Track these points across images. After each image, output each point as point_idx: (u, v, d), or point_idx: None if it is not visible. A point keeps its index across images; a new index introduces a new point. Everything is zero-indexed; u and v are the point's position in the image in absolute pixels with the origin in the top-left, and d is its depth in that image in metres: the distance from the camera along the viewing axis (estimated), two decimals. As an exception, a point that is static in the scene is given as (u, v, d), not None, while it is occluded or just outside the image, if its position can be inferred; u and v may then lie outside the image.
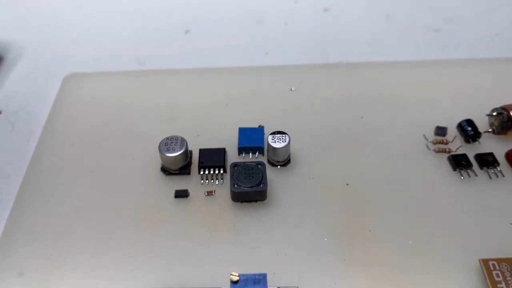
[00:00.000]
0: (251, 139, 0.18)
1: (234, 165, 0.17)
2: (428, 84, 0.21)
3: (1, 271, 0.15)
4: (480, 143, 0.19)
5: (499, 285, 0.15)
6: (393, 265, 0.15)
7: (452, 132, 0.19)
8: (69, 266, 0.15)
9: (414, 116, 0.20)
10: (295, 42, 0.25)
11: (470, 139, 0.19)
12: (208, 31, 0.26)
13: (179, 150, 0.17)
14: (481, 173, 0.18)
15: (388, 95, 0.21)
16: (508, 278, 0.15)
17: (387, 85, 0.21)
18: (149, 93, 0.21)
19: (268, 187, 0.17)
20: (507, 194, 0.17)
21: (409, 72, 0.22)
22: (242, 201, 0.17)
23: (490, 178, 0.18)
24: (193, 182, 0.18)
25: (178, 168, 0.18)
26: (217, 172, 0.18)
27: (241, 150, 0.18)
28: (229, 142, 0.19)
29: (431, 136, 0.19)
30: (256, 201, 0.17)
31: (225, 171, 0.18)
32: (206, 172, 0.17)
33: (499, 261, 0.15)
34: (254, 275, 0.14)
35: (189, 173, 0.18)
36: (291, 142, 0.18)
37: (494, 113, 0.19)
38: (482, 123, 0.19)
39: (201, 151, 0.18)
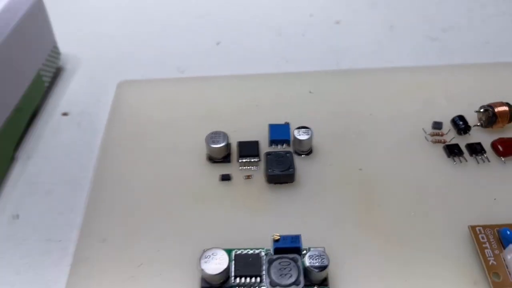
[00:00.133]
0: (279, 133, 0.22)
1: (268, 153, 0.21)
2: (427, 86, 0.25)
3: (87, 238, 0.19)
4: (470, 134, 0.22)
5: (484, 245, 0.18)
6: (398, 232, 0.19)
7: (447, 126, 0.23)
8: (140, 233, 0.19)
9: (415, 113, 0.24)
10: (311, 51, 0.29)
11: (462, 132, 0.22)
12: (236, 42, 0.29)
13: (223, 142, 0.21)
14: (470, 160, 0.21)
15: (392, 95, 0.25)
16: (491, 240, 0.18)
17: (391, 87, 0.25)
18: (190, 96, 0.25)
19: (296, 171, 0.20)
20: (491, 176, 0.21)
21: (410, 76, 0.26)
22: (275, 183, 0.21)
23: (478, 163, 0.21)
24: (233, 168, 0.21)
25: (221, 157, 0.21)
26: (253, 160, 0.21)
27: (272, 142, 0.22)
28: (261, 136, 0.22)
29: (429, 129, 0.23)
30: (286, 182, 0.21)
31: (259, 159, 0.21)
32: (244, 160, 0.21)
33: (484, 227, 0.19)
34: (291, 235, 0.17)
35: (229, 161, 0.21)
36: (312, 135, 0.21)
37: (482, 110, 0.23)
38: (472, 118, 0.23)
39: (239, 143, 0.22)
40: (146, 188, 0.21)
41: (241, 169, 0.21)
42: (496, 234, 0.18)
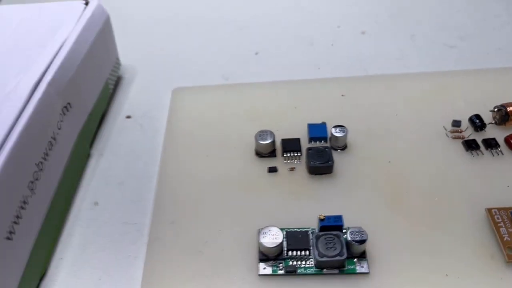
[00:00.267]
0: (317, 131, 0.25)
1: (309, 148, 0.24)
2: (446, 89, 0.28)
3: (158, 220, 0.22)
4: (485, 131, 0.25)
5: (499, 224, 0.21)
6: (424, 214, 0.22)
7: (465, 124, 0.26)
8: (203, 216, 0.22)
9: (436, 113, 0.27)
10: (340, 59, 0.32)
11: (478, 129, 0.25)
12: (272, 52, 0.33)
13: (270, 139, 0.24)
14: (486, 153, 0.24)
15: (415, 98, 0.28)
16: (506, 220, 0.21)
17: (414, 90, 0.28)
18: (236, 100, 0.28)
19: (333, 163, 0.24)
20: (505, 166, 0.24)
21: (431, 80, 0.29)
22: (315, 174, 0.24)
23: (493, 156, 0.24)
24: (278, 162, 0.25)
25: (268, 152, 0.25)
26: (295, 154, 0.25)
27: (311, 139, 0.25)
28: (300, 134, 0.26)
29: (449, 127, 0.26)
30: (325, 173, 0.24)
31: (300, 154, 0.25)
32: (288, 154, 0.25)
33: (499, 209, 0.22)
34: (334, 215, 0.21)
35: (275, 156, 0.25)
36: (347, 132, 0.25)
37: (496, 109, 0.26)
38: (487, 117, 0.26)
39: (283, 140, 0.25)
40: (204, 179, 0.24)
41: (285, 162, 0.24)
42: (510, 215, 0.21)
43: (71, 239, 0.22)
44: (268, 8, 0.37)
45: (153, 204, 0.23)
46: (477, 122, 0.25)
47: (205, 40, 0.34)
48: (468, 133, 0.25)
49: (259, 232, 0.21)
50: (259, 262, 0.20)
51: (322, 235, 0.20)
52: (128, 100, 0.29)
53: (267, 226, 0.20)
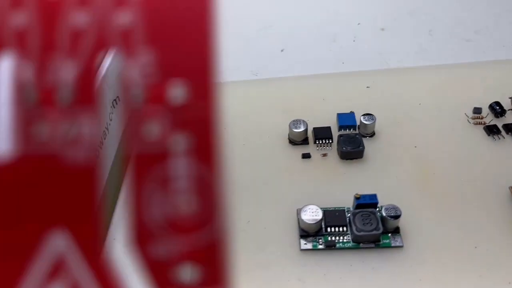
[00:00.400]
0: (346, 120, 0.27)
1: (340, 135, 0.26)
2: (465, 79, 0.30)
3: (204, 202, 0.24)
4: (505, 117, 0.27)
5: (522, 201, 0.23)
6: (450, 193, 0.24)
7: (485, 110, 0.27)
8: (245, 198, 0.24)
9: (457, 101, 0.28)
10: (362, 53, 0.34)
11: (499, 115, 0.27)
12: (297, 49, 0.35)
13: (303, 127, 0.26)
14: (507, 137, 0.26)
15: (436, 88, 0.29)
16: (528, 198, 0.23)
17: (434, 82, 0.30)
18: (267, 94, 0.30)
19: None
20: (525, 149, 0.26)
21: (450, 72, 0.31)
22: (346, 159, 0.25)
23: (514, 139, 0.26)
24: (311, 149, 0.26)
25: (301, 140, 0.26)
26: (327, 141, 0.26)
27: (340, 127, 0.27)
28: (330, 123, 0.27)
29: (470, 114, 0.27)
30: (356, 158, 0.25)
31: (332, 141, 0.26)
32: (320, 142, 0.26)
33: (521, 187, 0.24)
34: (369, 194, 0.22)
35: (308, 143, 0.26)
36: (376, 120, 0.26)
37: (515, 96, 0.27)
38: (507, 103, 0.27)
39: (315, 129, 0.27)
40: (243, 165, 0.26)
41: (317, 149, 0.26)
42: (532, 192, 0.23)
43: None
44: (292, 8, 0.39)
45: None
46: (497, 109, 0.27)
47: (234, 38, 0.36)
48: (489, 119, 0.27)
49: (298, 211, 0.22)
50: (299, 238, 0.22)
51: (359, 212, 0.22)
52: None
53: (307, 205, 0.22)
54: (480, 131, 0.26)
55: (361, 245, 0.21)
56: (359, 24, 0.37)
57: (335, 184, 0.24)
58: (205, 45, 0.09)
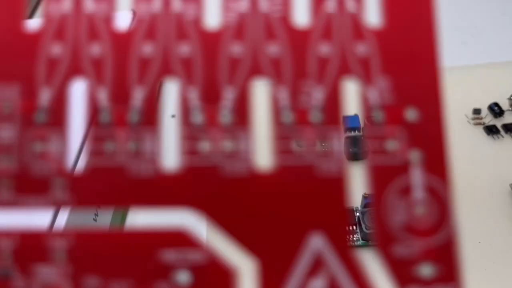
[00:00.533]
0: (352, 121, 0.28)
1: (346, 137, 0.27)
2: (463, 82, 0.31)
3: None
4: (504, 117, 0.28)
5: (522, 198, 0.24)
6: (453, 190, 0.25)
7: (484, 111, 0.29)
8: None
9: (456, 103, 0.29)
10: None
11: (497, 115, 0.28)
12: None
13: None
14: (506, 136, 0.27)
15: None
16: (528, 194, 0.24)
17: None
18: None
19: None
20: (524, 147, 0.27)
21: (448, 74, 0.32)
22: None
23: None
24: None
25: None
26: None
27: (346, 129, 0.28)
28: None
29: (470, 115, 0.28)
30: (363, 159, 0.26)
31: (338, 143, 0.27)
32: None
33: (521, 185, 0.25)
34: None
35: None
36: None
37: (512, 97, 0.29)
38: (505, 104, 0.28)
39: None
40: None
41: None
42: (531, 189, 0.24)
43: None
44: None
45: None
46: (496, 109, 0.28)
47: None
48: (488, 119, 0.28)
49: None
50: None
51: (368, 210, 0.23)
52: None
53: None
54: (480, 131, 0.27)
55: (370, 242, 0.22)
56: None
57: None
58: (433, 72, 0.12)
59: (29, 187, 0.10)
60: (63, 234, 0.10)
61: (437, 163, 0.11)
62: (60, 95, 0.11)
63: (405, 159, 0.11)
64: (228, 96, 0.11)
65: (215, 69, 0.11)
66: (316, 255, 0.10)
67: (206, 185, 0.10)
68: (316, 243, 0.10)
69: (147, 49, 0.11)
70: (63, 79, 0.11)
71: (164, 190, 0.10)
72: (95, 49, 0.11)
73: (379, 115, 0.11)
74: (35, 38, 0.11)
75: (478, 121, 0.28)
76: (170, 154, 0.11)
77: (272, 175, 0.11)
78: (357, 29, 0.11)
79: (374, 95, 0.11)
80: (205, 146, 0.11)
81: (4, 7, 0.11)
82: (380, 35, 0.11)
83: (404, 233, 0.10)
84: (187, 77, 0.11)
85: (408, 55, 0.11)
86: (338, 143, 0.11)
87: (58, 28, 0.11)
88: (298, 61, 0.11)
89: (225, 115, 0.11)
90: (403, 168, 0.11)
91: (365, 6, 0.11)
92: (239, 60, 0.11)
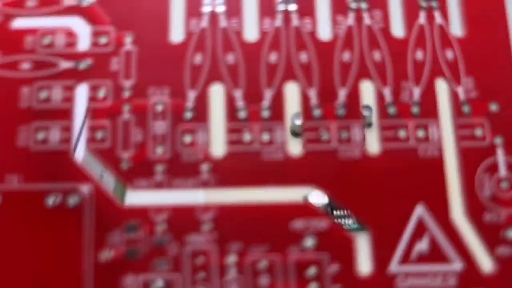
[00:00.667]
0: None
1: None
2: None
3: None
4: None
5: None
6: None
7: None
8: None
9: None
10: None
11: None
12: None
13: None
14: None
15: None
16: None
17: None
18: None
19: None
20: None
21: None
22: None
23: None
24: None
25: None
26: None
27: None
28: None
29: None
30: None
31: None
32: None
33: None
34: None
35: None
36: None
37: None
38: None
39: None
40: None
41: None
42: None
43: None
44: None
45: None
46: None
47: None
48: None
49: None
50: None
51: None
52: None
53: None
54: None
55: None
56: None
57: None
58: (510, 72, 0.14)
59: (180, 171, 0.13)
60: (209, 208, 0.13)
61: None
62: (202, 96, 0.13)
63: (490, 144, 0.13)
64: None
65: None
66: (419, 221, 0.13)
67: (326, 166, 0.13)
68: (420, 212, 0.13)
69: (273, 57, 0.13)
70: (205, 83, 0.13)
71: (291, 171, 0.13)
72: (230, 57, 0.13)
73: (467, 109, 0.13)
74: (180, 50, 0.13)
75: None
76: (295, 143, 0.13)
77: (381, 158, 0.13)
78: (445, 38, 0.14)
79: (462, 92, 0.13)
80: (325, 135, 0.13)
81: (154, 25, 0.13)
82: (464, 43, 0.14)
83: (492, 204, 0.13)
84: (306, 80, 0.13)
85: (488, 58, 0.14)
86: (436, 130, 0.13)
87: (199, 40, 0.13)
88: (398, 65, 0.13)
89: (340, 111, 0.13)
90: (490, 151, 0.13)
91: (450, 18, 0.14)
92: (349, 64, 0.13)
